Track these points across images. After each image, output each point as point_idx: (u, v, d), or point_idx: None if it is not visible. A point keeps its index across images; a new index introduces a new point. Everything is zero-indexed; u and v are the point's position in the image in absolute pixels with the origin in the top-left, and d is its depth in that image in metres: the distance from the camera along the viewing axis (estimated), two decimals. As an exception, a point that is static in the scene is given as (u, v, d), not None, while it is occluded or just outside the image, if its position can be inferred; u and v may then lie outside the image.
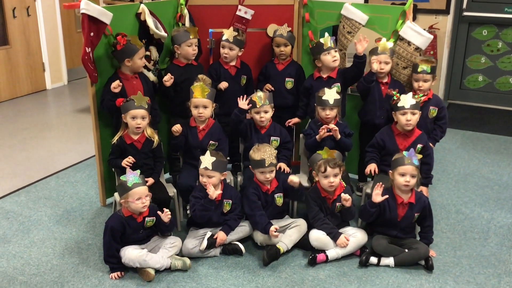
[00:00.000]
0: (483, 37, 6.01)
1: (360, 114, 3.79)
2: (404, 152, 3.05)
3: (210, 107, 3.41)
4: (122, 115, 3.25)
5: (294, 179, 3.18)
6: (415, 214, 3.08)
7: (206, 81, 3.48)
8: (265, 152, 3.15)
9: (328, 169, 3.10)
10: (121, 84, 3.28)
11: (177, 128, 3.38)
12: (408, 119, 3.28)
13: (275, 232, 3.07)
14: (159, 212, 2.98)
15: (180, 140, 3.44)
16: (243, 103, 3.43)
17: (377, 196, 3.04)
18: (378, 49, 3.52)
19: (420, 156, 3.04)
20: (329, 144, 3.39)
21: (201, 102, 3.37)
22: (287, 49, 3.82)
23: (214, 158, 3.11)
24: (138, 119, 3.22)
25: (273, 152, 3.18)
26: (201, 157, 3.12)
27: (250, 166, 3.26)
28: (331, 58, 3.58)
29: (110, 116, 3.47)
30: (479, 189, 4.08)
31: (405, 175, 3.01)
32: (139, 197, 2.87)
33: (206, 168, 3.10)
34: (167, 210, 3.00)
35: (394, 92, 3.37)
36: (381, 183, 3.06)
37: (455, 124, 5.48)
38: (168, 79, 3.51)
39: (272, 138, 3.54)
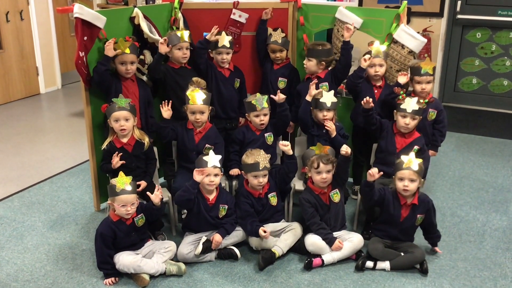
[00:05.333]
0: (477, 40, 6.03)
1: (352, 116, 3.78)
2: (403, 157, 3.03)
3: (206, 112, 3.40)
4: (107, 120, 3.23)
5: (284, 142, 3.18)
6: (418, 216, 3.07)
7: (201, 84, 3.46)
8: (258, 156, 3.14)
9: (321, 165, 3.09)
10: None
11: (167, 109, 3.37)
12: (407, 122, 3.29)
13: (264, 233, 3.06)
14: (148, 193, 2.95)
15: (168, 132, 3.40)
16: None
17: (371, 176, 3.00)
18: (371, 52, 3.51)
19: (420, 160, 3.03)
20: (323, 144, 3.38)
21: (198, 108, 3.36)
22: (282, 54, 3.84)
23: (219, 156, 3.11)
24: (121, 120, 3.18)
25: (266, 156, 3.17)
26: (205, 157, 3.09)
27: (242, 172, 3.25)
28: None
29: (99, 90, 3.39)
30: (474, 192, 4.09)
31: (403, 179, 3.00)
32: (124, 204, 2.85)
33: (215, 166, 3.08)
34: (159, 188, 3.00)
35: (401, 92, 3.36)
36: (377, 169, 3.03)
37: (449, 126, 5.36)
38: (163, 42, 3.42)
39: (265, 134, 3.56)
